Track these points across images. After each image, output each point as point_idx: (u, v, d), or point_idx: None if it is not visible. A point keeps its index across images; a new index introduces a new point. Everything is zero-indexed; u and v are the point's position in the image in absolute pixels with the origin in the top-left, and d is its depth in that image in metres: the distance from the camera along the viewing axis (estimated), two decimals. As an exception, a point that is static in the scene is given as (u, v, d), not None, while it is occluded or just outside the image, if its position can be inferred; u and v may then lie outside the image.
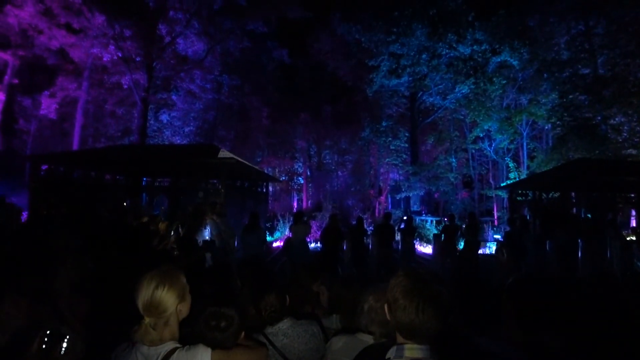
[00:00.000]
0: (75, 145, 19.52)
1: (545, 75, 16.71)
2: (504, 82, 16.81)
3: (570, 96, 16.28)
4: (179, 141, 18.07)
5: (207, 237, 5.58)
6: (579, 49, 16.56)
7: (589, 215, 10.18)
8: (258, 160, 20.05)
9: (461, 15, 16.71)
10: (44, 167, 8.75)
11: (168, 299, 1.40)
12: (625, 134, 15.13)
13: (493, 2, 16.26)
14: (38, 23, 17.80)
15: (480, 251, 9.72)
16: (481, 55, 16.85)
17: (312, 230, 10.99)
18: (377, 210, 18.92)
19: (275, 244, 12.34)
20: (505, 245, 7.35)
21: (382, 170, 20.81)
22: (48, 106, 20.45)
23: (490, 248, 10.77)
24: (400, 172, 19.78)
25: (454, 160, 21.88)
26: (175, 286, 1.44)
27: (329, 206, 17.43)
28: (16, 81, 20.10)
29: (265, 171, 17.49)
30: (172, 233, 5.43)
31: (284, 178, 22.38)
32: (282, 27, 18.03)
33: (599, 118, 15.53)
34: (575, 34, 16.52)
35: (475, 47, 16.58)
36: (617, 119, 15.14)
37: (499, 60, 16.61)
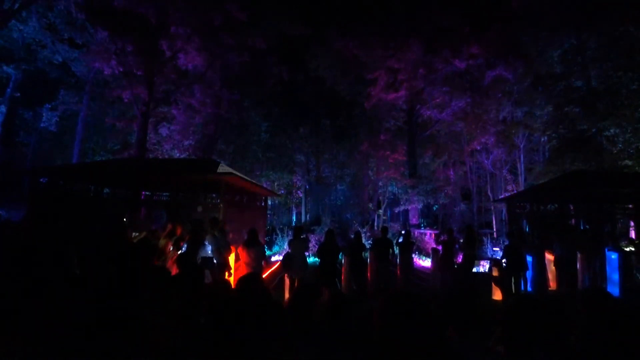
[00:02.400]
0: (74, 158, 19.59)
1: (540, 88, 16.98)
2: (500, 95, 17.05)
3: (566, 109, 16.51)
4: (178, 155, 18.13)
5: (209, 254, 5.59)
6: (572, 63, 16.88)
7: (587, 227, 10.21)
8: (257, 174, 20.10)
9: (456, 30, 17.05)
10: (43, 180, 8.79)
11: None
12: (620, 145, 15.29)
13: (487, 17, 16.61)
14: (42, 38, 18.15)
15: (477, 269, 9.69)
16: (477, 69, 17.14)
17: (310, 245, 10.98)
18: (375, 224, 18.89)
19: (273, 258, 12.29)
20: (499, 263, 7.35)
21: (380, 183, 20.87)
22: (49, 119, 20.66)
23: (485, 267, 10.71)
24: (398, 185, 19.83)
25: (452, 173, 21.97)
26: None
27: (328, 220, 17.41)
28: (18, 94, 20.34)
29: (264, 185, 17.53)
30: (171, 249, 5.44)
31: (282, 192, 22.40)
32: (281, 42, 18.33)
33: (594, 130, 15.71)
34: (568, 48, 16.87)
35: (470, 61, 16.87)
36: (611, 131, 15.32)
37: (494, 74, 16.89)
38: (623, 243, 9.98)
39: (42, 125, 20.58)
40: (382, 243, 8.26)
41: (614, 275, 7.88)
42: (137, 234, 6.57)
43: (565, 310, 1.79)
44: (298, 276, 6.63)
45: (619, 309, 2.00)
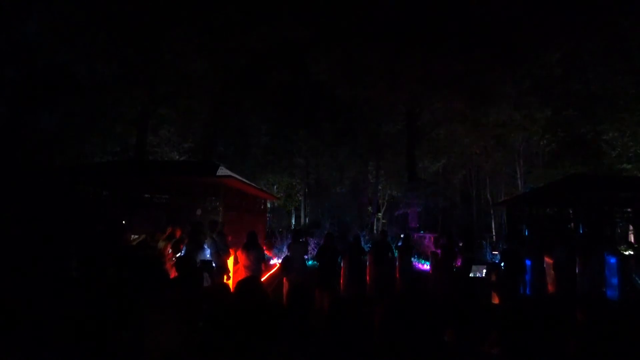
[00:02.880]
0: (73, 160, 19.58)
1: (538, 91, 17.04)
2: (499, 98, 17.10)
3: (564, 112, 16.56)
4: (177, 157, 18.13)
5: (208, 257, 5.59)
6: (571, 66, 16.94)
7: (586, 230, 10.21)
8: (257, 176, 20.11)
9: (456, 33, 17.10)
10: (43, 181, 8.79)
11: None
12: (618, 149, 15.34)
13: (486, 20, 16.67)
14: (42, 38, 18.17)
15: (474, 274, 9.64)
16: (476, 72, 17.17)
17: (310, 248, 10.95)
18: (375, 227, 18.88)
19: (272, 262, 12.26)
20: (497, 267, 7.33)
21: (380, 186, 20.87)
22: (48, 120, 20.63)
23: (482, 273, 10.68)
24: (398, 188, 19.84)
25: (451, 176, 22.00)
26: None
27: (327, 223, 17.36)
28: (17, 95, 20.33)
29: (264, 188, 17.51)
30: (169, 251, 5.43)
31: (282, 195, 22.40)
32: (282, 45, 18.38)
33: (593, 134, 15.77)
34: (567, 52, 16.94)
35: (470, 64, 16.91)
36: (610, 135, 15.37)
37: (493, 77, 16.94)
38: (622, 247, 9.97)
39: (41, 126, 20.56)
40: (381, 246, 8.25)
41: (613, 279, 7.87)
42: (136, 236, 6.57)
43: (563, 314, 1.80)
44: (297, 279, 6.62)
45: (617, 314, 2.01)
